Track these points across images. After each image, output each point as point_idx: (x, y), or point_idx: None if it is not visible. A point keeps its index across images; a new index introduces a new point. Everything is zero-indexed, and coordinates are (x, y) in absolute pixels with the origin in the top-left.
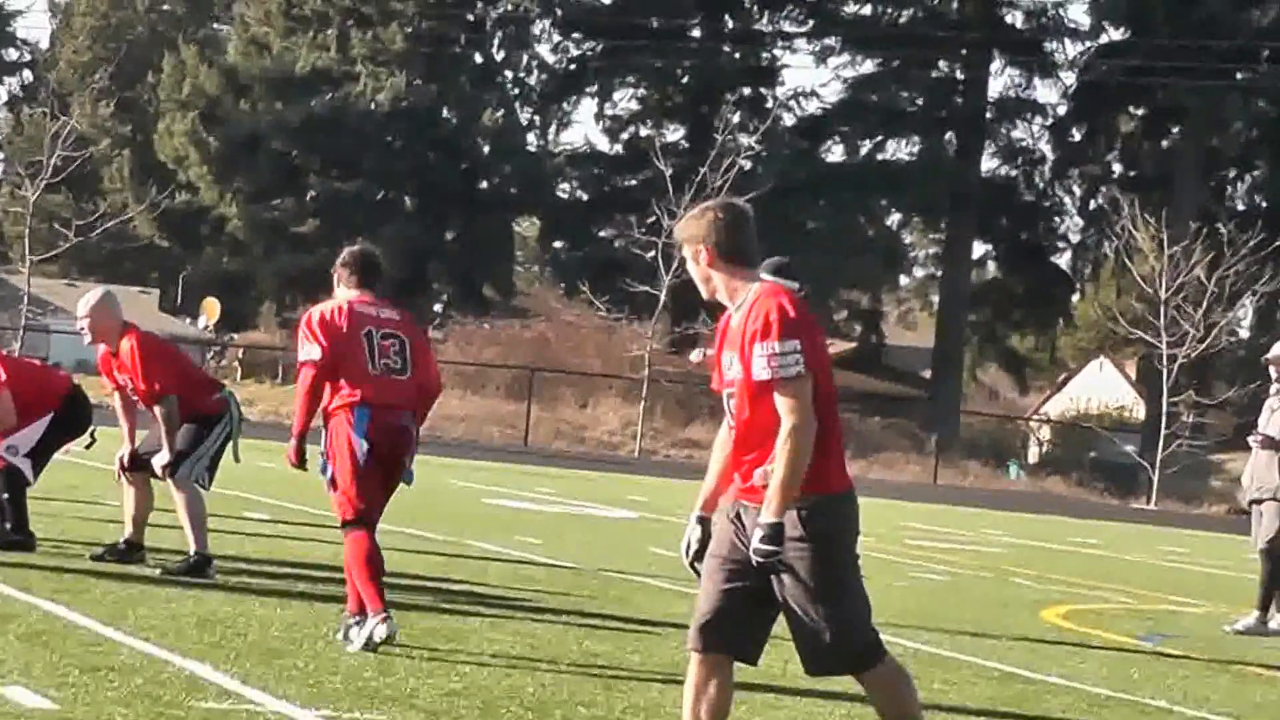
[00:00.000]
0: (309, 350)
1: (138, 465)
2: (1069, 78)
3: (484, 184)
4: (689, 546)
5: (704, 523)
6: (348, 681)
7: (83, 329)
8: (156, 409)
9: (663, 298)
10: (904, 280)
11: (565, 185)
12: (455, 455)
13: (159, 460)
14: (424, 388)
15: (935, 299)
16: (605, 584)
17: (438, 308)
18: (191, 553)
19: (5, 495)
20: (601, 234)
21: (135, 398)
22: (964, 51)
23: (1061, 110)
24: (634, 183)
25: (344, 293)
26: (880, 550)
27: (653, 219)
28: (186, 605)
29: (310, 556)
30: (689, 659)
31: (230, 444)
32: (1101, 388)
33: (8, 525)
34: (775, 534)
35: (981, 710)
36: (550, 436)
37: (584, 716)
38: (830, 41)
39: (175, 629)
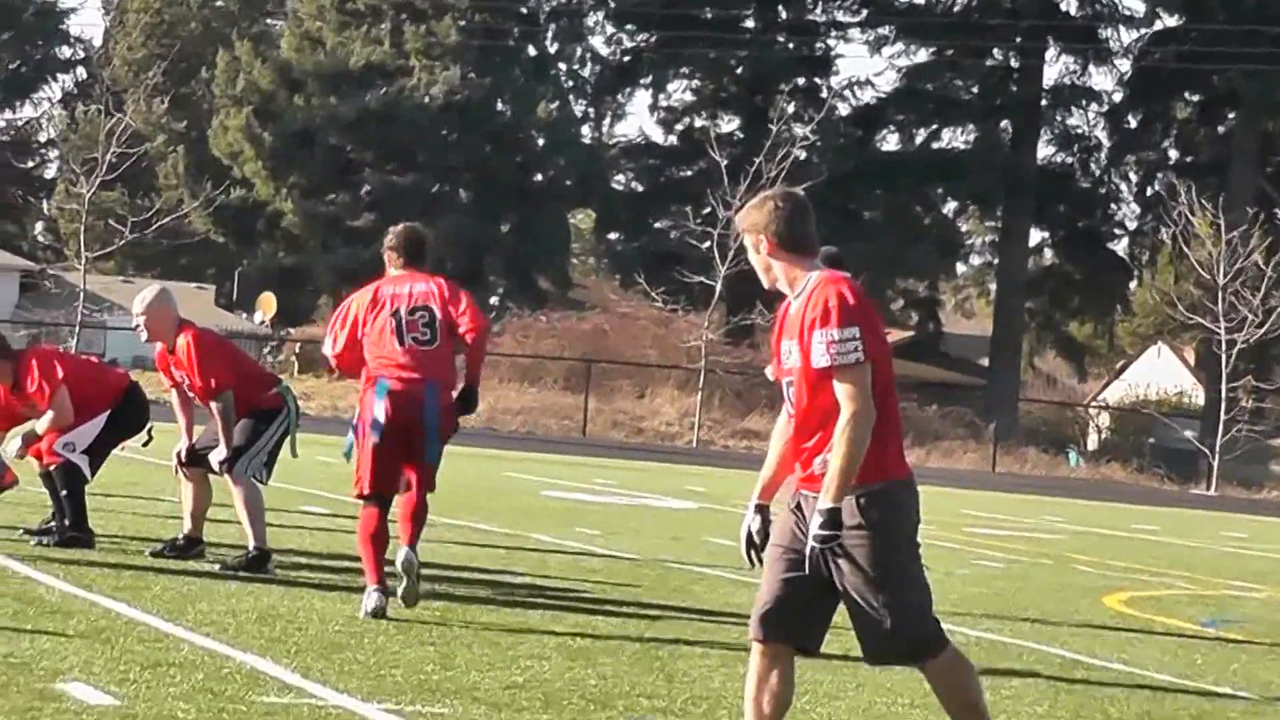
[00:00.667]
0: (327, 345)
1: (195, 461)
2: (1124, 65)
3: (539, 176)
4: (748, 535)
5: (762, 511)
6: (409, 675)
7: (139, 327)
8: (213, 405)
9: (718, 288)
10: (961, 268)
11: (620, 177)
12: (513, 448)
13: (216, 456)
14: (468, 343)
15: (992, 287)
16: (665, 575)
17: (494, 300)
18: (251, 547)
19: (64, 492)
20: (657, 225)
21: (192, 394)
22: (1018, 39)
23: (1117, 97)
24: (689, 174)
25: (391, 273)
26: (940, 538)
27: (708, 210)
28: (246, 600)
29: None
30: (750, 649)
31: (288, 439)
32: (1160, 374)
33: (67, 522)
34: (833, 520)
35: (1044, 697)
36: (608, 428)
37: (646, 708)
38: (884, 30)
39: (235, 624)
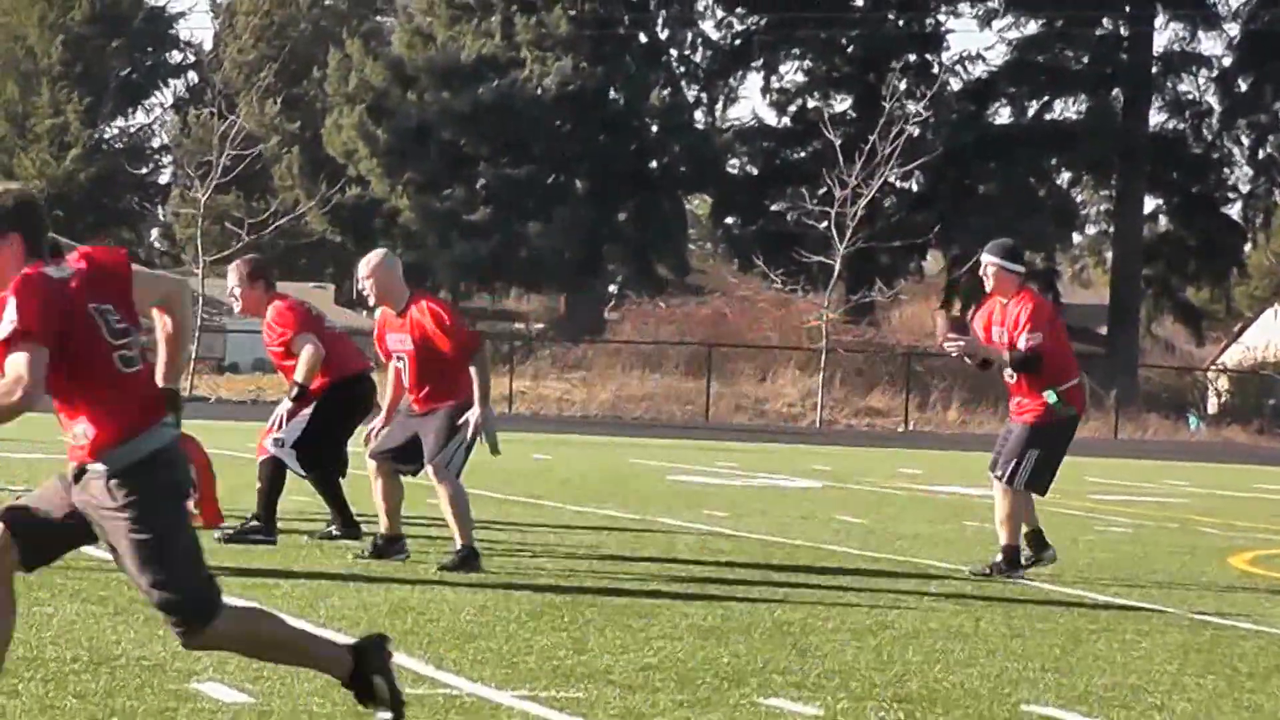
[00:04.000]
0: None
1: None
2: (1233, 29)
3: (654, 163)
4: None
5: None
6: (542, 661)
7: (365, 290)
8: (473, 366)
9: (837, 267)
10: (1077, 238)
11: (735, 161)
12: (637, 434)
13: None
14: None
15: (1109, 255)
16: (794, 553)
17: (613, 288)
18: (459, 547)
19: (261, 486)
20: (773, 207)
21: (427, 360)
22: (1127, 8)
23: (1227, 61)
24: (803, 155)
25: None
26: (1065, 506)
27: (824, 190)
28: (378, 594)
29: (497, 540)
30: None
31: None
32: (1277, 335)
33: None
34: None
35: (1173, 657)
36: (730, 411)
37: (779, 684)
38: (993, 4)
39: (367, 618)
